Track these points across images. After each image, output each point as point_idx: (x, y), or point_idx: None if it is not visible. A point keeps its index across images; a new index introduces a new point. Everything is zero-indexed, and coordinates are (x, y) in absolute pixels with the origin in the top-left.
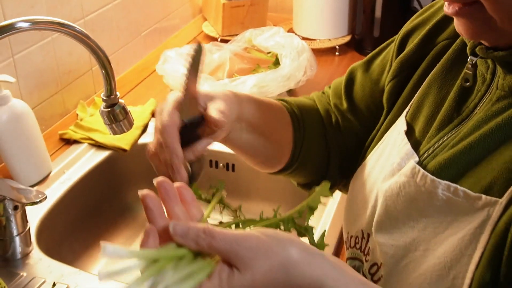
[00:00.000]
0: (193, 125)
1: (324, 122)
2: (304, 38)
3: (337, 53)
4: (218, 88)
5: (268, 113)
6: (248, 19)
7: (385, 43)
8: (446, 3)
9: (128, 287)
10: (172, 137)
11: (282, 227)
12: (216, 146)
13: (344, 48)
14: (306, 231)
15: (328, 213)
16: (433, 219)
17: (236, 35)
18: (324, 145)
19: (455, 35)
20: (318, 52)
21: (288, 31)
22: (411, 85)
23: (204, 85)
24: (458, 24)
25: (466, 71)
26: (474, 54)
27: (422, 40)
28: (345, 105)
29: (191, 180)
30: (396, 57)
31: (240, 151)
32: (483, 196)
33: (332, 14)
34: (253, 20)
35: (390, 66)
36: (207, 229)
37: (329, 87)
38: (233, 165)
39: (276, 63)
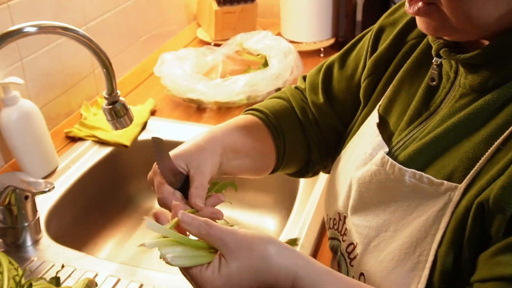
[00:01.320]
0: (184, 186)
1: (301, 121)
2: (291, 41)
3: (321, 55)
4: (190, 141)
5: (248, 136)
6: (239, 24)
7: (357, 37)
8: (407, 3)
9: (147, 243)
10: (169, 202)
11: None
12: None
13: (328, 50)
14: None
15: (314, 196)
16: (402, 203)
17: (228, 39)
18: (304, 142)
19: (423, 34)
20: (304, 54)
21: (276, 35)
22: (384, 81)
23: (199, 85)
24: (419, 22)
25: (432, 71)
26: (438, 55)
27: (394, 40)
28: (322, 99)
29: None
30: (371, 54)
31: (232, 174)
32: (445, 182)
33: (317, 18)
34: (244, 25)
35: (365, 62)
36: (207, 221)
37: (304, 79)
38: None
39: (265, 64)
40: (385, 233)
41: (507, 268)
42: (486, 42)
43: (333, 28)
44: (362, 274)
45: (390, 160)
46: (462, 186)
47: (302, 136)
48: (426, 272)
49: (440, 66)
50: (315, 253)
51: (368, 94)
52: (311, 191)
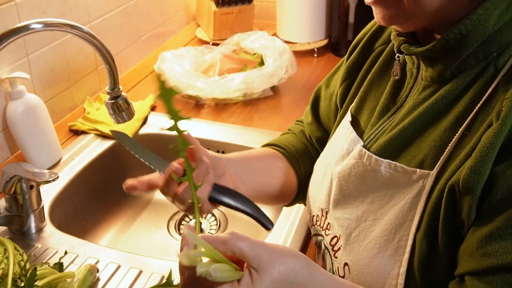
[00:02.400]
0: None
1: (309, 149)
2: (286, 41)
3: (315, 55)
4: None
5: (273, 176)
6: (237, 25)
7: (341, 61)
8: None
9: (188, 254)
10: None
11: None
12: (207, 135)
13: (322, 51)
14: None
15: None
16: (379, 193)
17: (226, 39)
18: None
19: (388, 41)
20: (299, 54)
21: (272, 35)
22: (355, 86)
23: (197, 82)
24: (376, 12)
25: (395, 66)
26: (400, 52)
27: (363, 47)
28: (310, 119)
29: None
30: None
31: (259, 193)
32: (418, 170)
33: (311, 20)
34: (241, 25)
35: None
36: (234, 233)
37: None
38: (223, 152)
39: (261, 63)
40: (365, 223)
41: (497, 258)
42: (436, 37)
43: (326, 29)
44: (346, 264)
45: (367, 152)
46: (433, 172)
47: (312, 159)
48: (406, 256)
49: (404, 63)
50: (304, 246)
51: (342, 98)
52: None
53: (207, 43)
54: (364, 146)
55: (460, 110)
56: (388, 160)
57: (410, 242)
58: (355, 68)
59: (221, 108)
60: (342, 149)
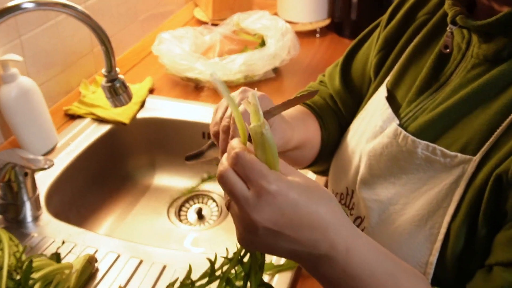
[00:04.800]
0: None
1: (334, 110)
2: (287, 21)
3: (317, 35)
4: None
5: (307, 130)
6: (237, 4)
7: (372, 25)
8: None
9: None
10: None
11: None
12: (208, 119)
13: (324, 31)
14: None
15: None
16: (413, 175)
17: (225, 19)
18: (338, 132)
19: (434, 11)
20: (301, 34)
21: (273, 15)
22: (393, 57)
23: (197, 64)
24: None
25: (446, 38)
26: (453, 23)
27: (404, 15)
28: (338, 85)
29: None
30: (383, 30)
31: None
32: (459, 154)
33: None
34: (241, 5)
35: (377, 41)
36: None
37: (323, 75)
38: None
39: (262, 44)
40: (395, 206)
41: None
42: (501, 11)
43: (329, 8)
44: None
45: (403, 132)
46: (476, 158)
47: (337, 126)
48: (437, 245)
49: (452, 36)
50: None
51: (377, 69)
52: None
53: (206, 23)
54: (401, 125)
55: None
56: (426, 142)
57: (443, 230)
58: (393, 37)
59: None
60: (375, 126)
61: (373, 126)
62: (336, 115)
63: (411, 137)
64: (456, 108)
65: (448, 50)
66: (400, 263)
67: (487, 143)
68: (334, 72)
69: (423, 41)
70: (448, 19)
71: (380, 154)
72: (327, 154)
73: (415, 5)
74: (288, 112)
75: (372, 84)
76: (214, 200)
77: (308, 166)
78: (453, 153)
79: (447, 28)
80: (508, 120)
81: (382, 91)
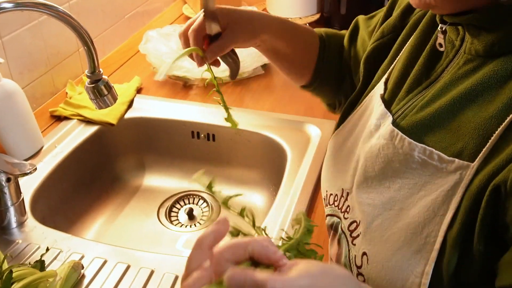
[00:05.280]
0: (215, 35)
1: (340, 50)
2: None
3: None
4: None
5: (298, 30)
6: (225, 1)
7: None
8: None
9: None
10: (195, 36)
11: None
12: (198, 118)
13: (314, 25)
14: (312, 253)
15: (302, 172)
16: (408, 180)
17: None
18: (339, 71)
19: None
20: None
21: (262, 11)
22: (392, 54)
23: (184, 62)
24: None
25: (439, 36)
26: (442, 22)
27: (403, 11)
28: (346, 46)
29: (232, 77)
30: (383, 20)
31: (267, 55)
32: (456, 160)
33: None
34: (229, 1)
35: (376, 28)
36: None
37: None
38: (213, 135)
39: None
40: (390, 212)
41: None
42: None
43: (318, 3)
44: (364, 253)
45: (400, 133)
46: (474, 165)
47: (339, 62)
48: (434, 254)
49: (445, 33)
50: None
51: (369, 61)
52: (298, 166)
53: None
54: (393, 122)
55: (509, 96)
56: (423, 145)
57: (439, 239)
58: (391, 32)
59: (210, 89)
60: (371, 124)
61: (368, 125)
62: (340, 55)
63: (407, 139)
64: (448, 108)
65: (442, 48)
66: None
67: (484, 149)
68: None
69: (417, 38)
70: (437, 18)
71: (376, 156)
72: (322, 81)
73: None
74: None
75: (366, 79)
76: (204, 200)
77: (305, 86)
78: (450, 159)
79: (438, 27)
80: (504, 124)
81: (379, 89)
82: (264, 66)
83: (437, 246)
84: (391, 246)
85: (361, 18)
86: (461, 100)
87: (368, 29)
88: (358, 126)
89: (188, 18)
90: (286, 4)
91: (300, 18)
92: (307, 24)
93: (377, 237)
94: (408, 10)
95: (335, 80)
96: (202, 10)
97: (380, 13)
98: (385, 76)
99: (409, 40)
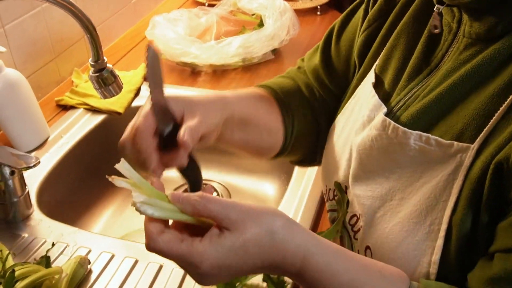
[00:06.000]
0: (169, 134)
1: (309, 100)
2: (286, 0)
3: (318, 13)
4: (204, 93)
5: (257, 106)
6: None
7: (355, 3)
8: None
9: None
10: (146, 142)
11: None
12: None
13: (325, 8)
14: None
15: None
16: (407, 169)
17: None
18: (312, 123)
19: None
20: (301, 13)
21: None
22: (380, 39)
23: (192, 48)
24: None
25: (433, 19)
26: (440, 2)
27: None
28: (322, 71)
29: (194, 189)
30: (371, 9)
31: (234, 147)
32: (455, 142)
33: None
34: None
35: (363, 20)
36: (204, 194)
37: (302, 60)
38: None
39: (261, 24)
40: (391, 202)
41: None
42: None
43: None
44: (368, 247)
45: (392, 123)
46: (474, 146)
47: (310, 115)
48: (440, 242)
49: (441, 15)
50: (316, 221)
51: (362, 53)
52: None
53: (202, 4)
54: (391, 115)
55: (511, 73)
56: (418, 132)
57: (444, 226)
58: (378, 18)
59: (219, 75)
60: (363, 116)
61: (360, 117)
62: (309, 103)
63: (401, 128)
64: (449, 93)
65: (437, 31)
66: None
67: (485, 129)
68: (314, 55)
69: (410, 21)
70: None
71: (370, 147)
72: (298, 144)
73: None
74: (236, 92)
75: (357, 69)
76: (215, 189)
77: (278, 155)
78: (448, 142)
79: (434, 8)
80: (506, 103)
81: (370, 77)
82: (274, 51)
83: (442, 233)
84: (395, 237)
85: (330, 36)
86: (463, 83)
87: (347, 35)
88: (351, 117)
89: (196, 2)
90: None
91: (311, 0)
92: (318, 7)
93: (379, 229)
94: None
95: (310, 135)
96: (149, 103)
97: (359, 10)
98: (376, 63)
99: (399, 25)
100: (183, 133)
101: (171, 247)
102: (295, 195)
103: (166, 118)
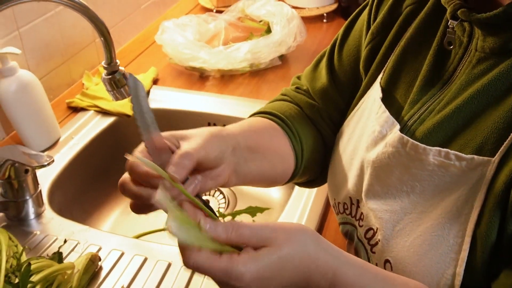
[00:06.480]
0: None
1: (313, 119)
2: (293, 7)
3: (324, 20)
4: (204, 129)
5: (264, 135)
6: None
7: (356, 11)
8: None
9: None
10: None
11: None
12: (213, 109)
13: (332, 15)
14: None
15: None
16: (427, 182)
17: (230, 5)
18: (319, 140)
19: (421, 0)
20: (307, 20)
21: (279, 0)
22: (383, 52)
23: (201, 52)
24: None
25: (448, 35)
26: (453, 18)
27: (390, 7)
28: (326, 81)
29: None
30: (373, 22)
31: (252, 181)
32: (475, 156)
33: None
34: None
35: (367, 32)
36: (233, 222)
37: (298, 78)
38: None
39: (268, 30)
40: (410, 216)
41: None
42: (503, 0)
43: None
44: (387, 261)
45: (410, 140)
46: (495, 159)
47: (317, 136)
48: (463, 255)
49: (453, 30)
50: (321, 226)
51: (367, 65)
52: None
53: (211, 10)
54: (406, 129)
55: None
56: (437, 148)
57: (468, 239)
58: (381, 31)
59: (227, 80)
60: (374, 131)
61: (371, 132)
62: (313, 123)
63: (420, 145)
64: (466, 106)
65: (452, 47)
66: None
67: (505, 143)
68: (317, 72)
69: (417, 35)
70: (448, 14)
71: (388, 164)
72: (309, 165)
73: None
74: (235, 124)
75: (363, 80)
76: (221, 192)
77: (290, 181)
78: (468, 156)
79: (449, 24)
80: None
81: (376, 91)
82: (281, 57)
83: (465, 246)
84: (417, 250)
85: (332, 50)
86: (479, 97)
87: (348, 47)
88: (357, 130)
89: (204, 8)
90: None
91: (317, 8)
92: (325, 14)
93: (400, 243)
94: (394, 8)
95: (320, 154)
96: (142, 143)
97: (360, 19)
98: (380, 76)
99: (404, 38)
100: (175, 157)
101: (212, 262)
102: (300, 199)
103: (163, 155)
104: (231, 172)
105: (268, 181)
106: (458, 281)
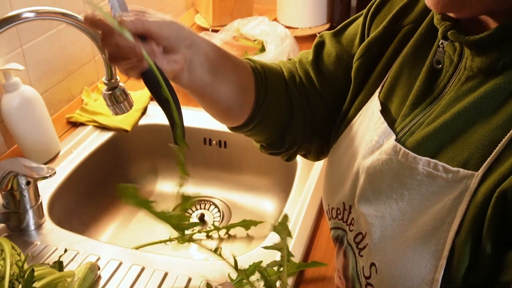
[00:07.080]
0: None
1: (287, 81)
2: (287, 27)
3: None
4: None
5: (228, 57)
6: (236, 10)
7: (353, 16)
8: None
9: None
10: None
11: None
12: (209, 125)
13: None
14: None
15: (312, 178)
16: (415, 191)
17: (226, 25)
18: (286, 105)
19: (419, 20)
20: (300, 39)
21: (273, 21)
22: (381, 67)
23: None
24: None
25: (438, 54)
26: (444, 38)
27: (389, 23)
28: (311, 70)
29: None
30: (368, 30)
31: (202, 95)
32: (461, 169)
33: (312, 4)
34: (241, 11)
35: (360, 41)
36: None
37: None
38: (225, 142)
39: (262, 49)
40: (398, 222)
41: None
42: (491, 23)
43: (328, 13)
44: (373, 264)
45: (403, 148)
46: (479, 173)
47: (285, 94)
48: (442, 261)
49: (444, 50)
50: (312, 237)
51: (359, 76)
52: (309, 173)
53: (207, 29)
54: (397, 140)
55: None
56: (427, 158)
57: (448, 247)
58: (378, 45)
59: None
60: (372, 141)
61: (369, 141)
62: (286, 85)
63: (411, 153)
64: (453, 122)
65: (440, 66)
66: None
67: (489, 158)
68: (306, 57)
69: (412, 52)
70: (439, 35)
71: (380, 171)
72: (268, 116)
73: (399, 13)
74: (221, 63)
75: (359, 92)
76: (216, 206)
77: (246, 124)
78: (455, 169)
79: (439, 44)
80: (509, 135)
81: (375, 104)
82: None
83: (445, 253)
84: (401, 256)
85: (326, 34)
86: (466, 114)
87: (341, 43)
88: (355, 140)
89: (200, 28)
90: (296, 14)
91: (310, 27)
92: (317, 34)
93: (386, 247)
94: (392, 25)
95: (280, 117)
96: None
97: (354, 25)
98: (378, 90)
99: (402, 55)
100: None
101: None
102: (293, 211)
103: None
104: (186, 66)
105: (222, 106)
106: (436, 286)
